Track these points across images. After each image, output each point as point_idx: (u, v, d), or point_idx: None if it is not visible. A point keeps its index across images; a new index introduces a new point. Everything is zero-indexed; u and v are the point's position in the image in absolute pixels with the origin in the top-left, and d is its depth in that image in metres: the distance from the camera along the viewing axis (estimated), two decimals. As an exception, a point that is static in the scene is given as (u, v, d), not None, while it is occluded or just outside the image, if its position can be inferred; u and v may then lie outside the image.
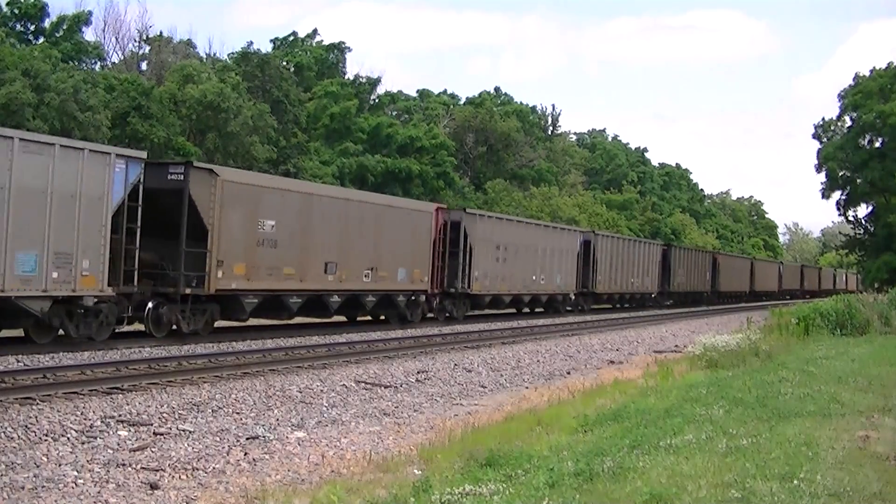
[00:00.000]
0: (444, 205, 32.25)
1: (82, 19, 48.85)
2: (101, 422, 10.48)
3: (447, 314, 29.10)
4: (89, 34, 51.99)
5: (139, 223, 17.44)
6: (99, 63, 50.23)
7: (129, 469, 8.50)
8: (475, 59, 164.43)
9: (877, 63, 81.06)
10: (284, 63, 57.36)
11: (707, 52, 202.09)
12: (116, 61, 53.40)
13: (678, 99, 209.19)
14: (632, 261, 44.34)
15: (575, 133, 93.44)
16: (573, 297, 38.69)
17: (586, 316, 36.91)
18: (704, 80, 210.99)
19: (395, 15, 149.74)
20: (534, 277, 34.34)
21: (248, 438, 10.16)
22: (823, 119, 65.26)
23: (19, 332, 16.94)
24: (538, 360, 19.86)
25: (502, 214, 37.98)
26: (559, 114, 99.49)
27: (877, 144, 60.13)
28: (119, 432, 10.05)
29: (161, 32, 55.39)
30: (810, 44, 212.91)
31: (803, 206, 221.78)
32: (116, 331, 17.57)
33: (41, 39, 47.22)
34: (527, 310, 36.24)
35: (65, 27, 48.27)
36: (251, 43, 55.26)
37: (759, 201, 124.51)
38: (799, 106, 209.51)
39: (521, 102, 76.44)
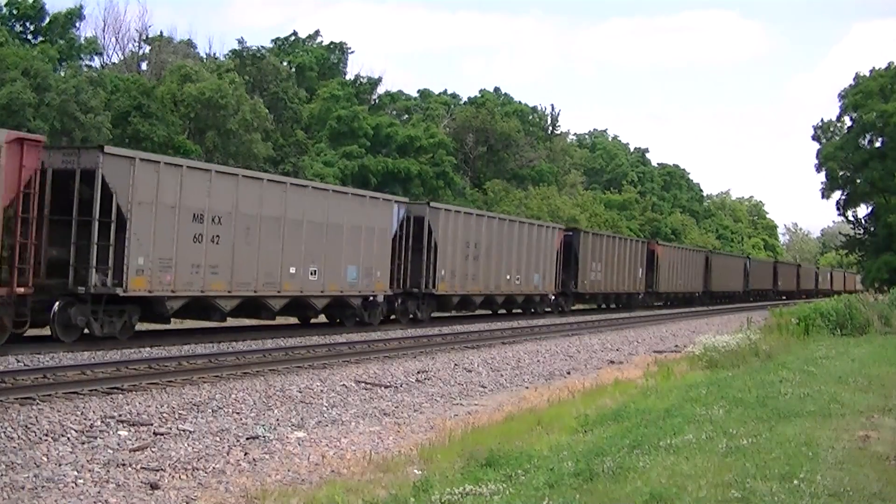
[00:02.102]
0: (40, 137, 16.57)
1: (75, 14, 48.75)
2: (101, 422, 10.48)
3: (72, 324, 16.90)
4: (89, 32, 52.00)
5: None
6: (97, 60, 50.29)
7: (129, 469, 8.50)
8: (471, 60, 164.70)
9: (871, 63, 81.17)
10: (286, 63, 57.36)
11: (702, 52, 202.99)
12: (116, 61, 53.40)
13: (675, 99, 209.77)
14: (509, 250, 32.45)
15: (575, 133, 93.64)
16: (397, 302, 26.79)
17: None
18: (701, 80, 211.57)
19: (389, 15, 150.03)
20: (293, 270, 21.77)
21: (248, 438, 10.16)
22: (823, 120, 65.56)
23: None
24: (538, 360, 19.87)
25: (210, 165, 22.88)
26: (558, 114, 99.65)
27: (877, 144, 60.30)
28: (119, 432, 10.05)
29: (161, 32, 55.50)
30: (804, 44, 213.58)
31: (803, 206, 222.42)
32: None
33: (40, 39, 47.20)
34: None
35: (59, 26, 48.21)
36: (243, 40, 55.09)
37: (760, 201, 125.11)
38: (794, 106, 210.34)
39: (520, 102, 76.51)
